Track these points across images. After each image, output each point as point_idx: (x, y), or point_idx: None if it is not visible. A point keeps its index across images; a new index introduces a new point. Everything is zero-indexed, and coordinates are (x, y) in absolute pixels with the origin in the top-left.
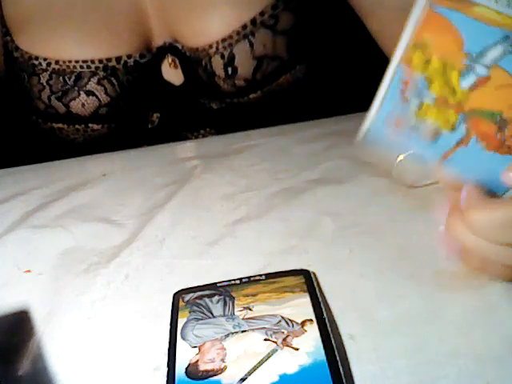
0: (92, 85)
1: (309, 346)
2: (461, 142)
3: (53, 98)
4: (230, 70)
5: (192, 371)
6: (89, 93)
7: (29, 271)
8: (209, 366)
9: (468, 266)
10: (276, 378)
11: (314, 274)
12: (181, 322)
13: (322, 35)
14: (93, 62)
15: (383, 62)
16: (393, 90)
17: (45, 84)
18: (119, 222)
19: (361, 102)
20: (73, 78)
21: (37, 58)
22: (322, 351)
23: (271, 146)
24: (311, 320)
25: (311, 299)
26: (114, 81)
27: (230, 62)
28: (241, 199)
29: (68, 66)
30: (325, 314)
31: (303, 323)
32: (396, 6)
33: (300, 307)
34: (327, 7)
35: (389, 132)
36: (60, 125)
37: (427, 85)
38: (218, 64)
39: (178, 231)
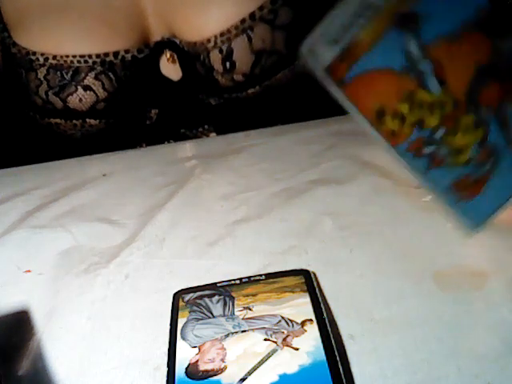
0: (89, 80)
1: (309, 345)
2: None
3: (50, 93)
4: (228, 64)
5: (192, 371)
6: (86, 88)
7: (29, 271)
8: (209, 366)
9: None
10: (276, 378)
11: (313, 274)
12: (181, 321)
13: None
14: (90, 56)
15: None
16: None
17: (42, 79)
18: (119, 222)
19: None
20: (70, 72)
21: (34, 54)
22: (322, 351)
23: (271, 146)
24: (311, 320)
25: (311, 299)
26: (112, 76)
27: (228, 56)
28: (241, 199)
29: (65, 61)
30: (325, 314)
31: (303, 323)
32: None
33: (300, 307)
34: (326, 3)
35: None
36: (57, 120)
37: (425, 126)
38: (216, 58)
39: (178, 231)
